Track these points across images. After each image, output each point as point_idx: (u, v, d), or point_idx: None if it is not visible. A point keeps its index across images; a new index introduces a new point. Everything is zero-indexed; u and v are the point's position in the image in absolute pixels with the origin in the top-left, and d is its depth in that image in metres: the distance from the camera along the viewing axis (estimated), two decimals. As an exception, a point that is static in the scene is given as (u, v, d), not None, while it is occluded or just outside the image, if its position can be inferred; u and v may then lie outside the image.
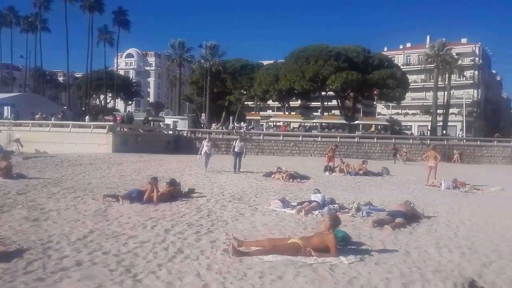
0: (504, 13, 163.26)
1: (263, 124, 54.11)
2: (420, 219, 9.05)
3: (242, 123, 55.60)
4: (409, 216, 8.75)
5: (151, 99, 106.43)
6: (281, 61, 62.44)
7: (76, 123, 33.25)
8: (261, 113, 71.28)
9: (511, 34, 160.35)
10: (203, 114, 55.28)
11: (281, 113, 68.76)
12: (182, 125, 46.04)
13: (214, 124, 56.29)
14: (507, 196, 14.26)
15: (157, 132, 42.21)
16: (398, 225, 8.06)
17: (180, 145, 37.59)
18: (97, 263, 5.27)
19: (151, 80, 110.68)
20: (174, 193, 10.46)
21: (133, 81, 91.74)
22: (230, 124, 52.97)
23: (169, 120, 48.88)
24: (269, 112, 78.46)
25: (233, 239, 6.09)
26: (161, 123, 48.74)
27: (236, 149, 18.84)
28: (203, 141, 19.49)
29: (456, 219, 9.47)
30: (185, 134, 41.69)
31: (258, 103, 73.95)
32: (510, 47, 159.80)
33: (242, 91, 68.75)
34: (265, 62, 70.74)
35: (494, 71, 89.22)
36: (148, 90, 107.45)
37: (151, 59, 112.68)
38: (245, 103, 73.30)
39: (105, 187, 12.06)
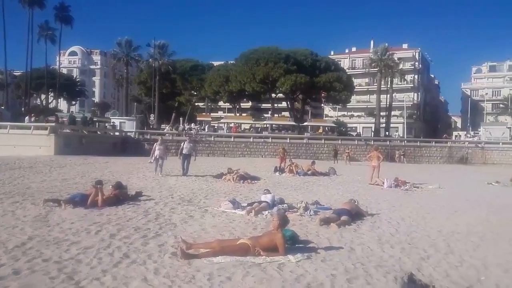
0: (440, 21, 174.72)
1: (220, 126, 53.99)
2: (364, 217, 9.46)
3: (192, 124, 54.98)
4: (354, 214, 9.10)
5: (96, 99, 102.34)
6: (232, 62, 62.51)
7: (15, 124, 31.24)
8: (212, 114, 70.95)
9: (447, 40, 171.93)
10: (152, 115, 54.05)
11: (232, 114, 68.86)
12: (130, 126, 44.75)
13: (164, 125, 55.21)
14: (444, 194, 15.25)
15: (103, 133, 40.71)
16: (344, 223, 8.36)
17: (127, 147, 36.47)
18: (37, 271, 5.00)
19: (97, 79, 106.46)
20: (120, 196, 10.15)
21: (77, 80, 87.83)
22: (180, 125, 52.16)
23: (115, 121, 47.31)
24: (220, 113, 78.30)
25: (181, 242, 6.03)
26: (107, 124, 47.04)
27: (184, 151, 17.66)
28: (155, 144, 17.79)
29: (397, 216, 9.98)
30: (132, 136, 40.53)
31: (209, 104, 73.58)
32: (447, 53, 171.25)
33: (192, 92, 68.03)
34: (216, 63, 70.44)
35: (432, 75, 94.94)
36: (93, 89, 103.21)
37: (96, 58, 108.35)
38: (196, 104, 72.63)
39: (46, 192, 11.45)
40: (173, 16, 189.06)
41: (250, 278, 5.04)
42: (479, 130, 62.13)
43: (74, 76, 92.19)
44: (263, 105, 74.57)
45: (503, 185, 18.92)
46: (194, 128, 47.15)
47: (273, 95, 60.49)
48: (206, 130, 47.49)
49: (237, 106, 70.49)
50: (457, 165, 40.38)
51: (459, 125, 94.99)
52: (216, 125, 57.48)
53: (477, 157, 43.75)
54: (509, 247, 7.31)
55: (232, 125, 53.59)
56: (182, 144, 18.50)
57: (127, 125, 45.03)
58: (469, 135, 61.43)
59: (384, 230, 8.33)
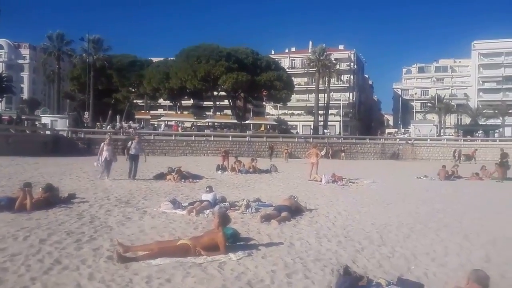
0: (374, 24, 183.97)
1: (160, 124, 52.62)
2: (303, 212, 9.70)
3: (130, 122, 53.16)
4: (294, 210, 9.31)
5: (25, 95, 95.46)
6: (172, 59, 61.26)
7: None
8: (151, 112, 69.11)
9: (380, 43, 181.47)
10: (86, 113, 51.33)
11: (173, 112, 67.57)
12: (62, 124, 42.31)
13: (100, 124, 52.83)
14: (377, 188, 16.06)
15: (32, 132, 38.11)
16: (284, 219, 8.52)
17: (59, 146, 34.40)
18: (-46, 284, 4.57)
19: (25, 74, 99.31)
20: (51, 199, 9.54)
21: (3, 75, 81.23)
22: (117, 123, 50.20)
23: (46, 119, 44.48)
24: (160, 111, 76.53)
25: (118, 245, 5.80)
26: (37, 123, 44.08)
27: (132, 152, 16.00)
28: (102, 144, 15.94)
29: (334, 211, 10.35)
30: (65, 135, 38.33)
31: (148, 101, 71.52)
32: (379, 54, 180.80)
33: (130, 88, 65.63)
34: (155, 59, 68.44)
35: (366, 76, 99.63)
36: (22, 85, 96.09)
37: (25, 52, 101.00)
38: (134, 101, 70.21)
39: (-34, 196, 10.48)
40: (109, 11, 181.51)
41: (190, 279, 4.97)
42: (409, 127, 66.30)
43: (0, 71, 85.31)
44: (205, 103, 73.91)
45: (431, 179, 20.30)
46: (132, 127, 45.63)
47: (215, 93, 60.22)
48: (144, 128, 46.15)
49: (178, 104, 69.26)
50: (389, 160, 42.71)
51: (391, 123, 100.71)
52: (155, 123, 56.12)
53: (407, 153, 46.56)
54: (436, 237, 7.85)
55: (173, 123, 52.61)
56: (129, 143, 16.82)
57: (59, 123, 42.53)
58: (400, 132, 65.31)
59: (322, 225, 8.60)
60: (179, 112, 66.03)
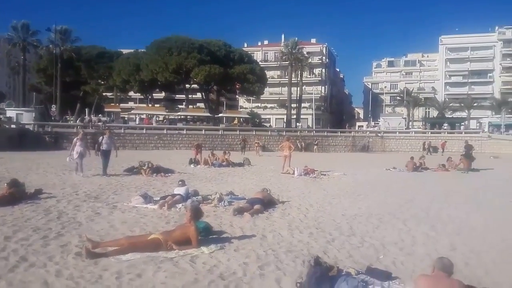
0: (344, 18, 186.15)
1: (131, 117, 51.48)
2: (276, 205, 9.79)
3: (100, 115, 51.86)
4: (266, 202, 9.37)
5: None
6: (142, 50, 60.01)
7: None
8: (121, 105, 67.59)
9: (351, 37, 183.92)
10: (53, 106, 49.66)
11: (144, 105, 66.37)
12: (28, 118, 40.78)
13: (68, 117, 51.30)
14: (348, 180, 16.36)
15: (-4, 126, 36.60)
16: (256, 212, 8.57)
17: (25, 140, 33.23)
18: None
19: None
20: (17, 195, 9.23)
21: (-37, 66, 77.62)
22: (86, 116, 48.85)
23: (11, 113, 42.80)
24: (131, 104, 75.01)
25: (86, 241, 5.69)
26: (1, 116, 42.36)
27: (104, 147, 15.35)
28: (75, 139, 15.33)
29: (306, 203, 10.48)
30: (31, 128, 37.03)
31: (118, 94, 69.90)
32: (350, 48, 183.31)
33: (99, 81, 63.93)
34: (125, 51, 66.81)
35: (338, 69, 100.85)
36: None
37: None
38: (103, 94, 68.48)
39: None
40: (77, 0, 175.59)
41: (162, 273, 4.94)
42: (379, 120, 67.70)
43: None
44: (177, 96, 72.94)
45: (399, 170, 20.86)
46: (102, 120, 44.57)
47: (187, 85, 59.53)
48: (114, 121, 45.15)
49: (149, 97, 68.04)
50: (360, 153, 43.57)
51: (361, 116, 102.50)
52: (126, 116, 55.03)
53: (377, 145, 47.63)
54: (404, 227, 8.08)
55: (144, 116, 51.74)
56: (100, 138, 16.02)
57: (25, 116, 40.98)
58: (370, 125, 66.62)
59: (294, 217, 8.70)
60: (150, 105, 64.91)
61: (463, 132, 52.49)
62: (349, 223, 8.23)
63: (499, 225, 8.39)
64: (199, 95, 63.96)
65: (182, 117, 52.69)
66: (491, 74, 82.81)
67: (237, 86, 56.34)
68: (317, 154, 38.48)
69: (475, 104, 71.84)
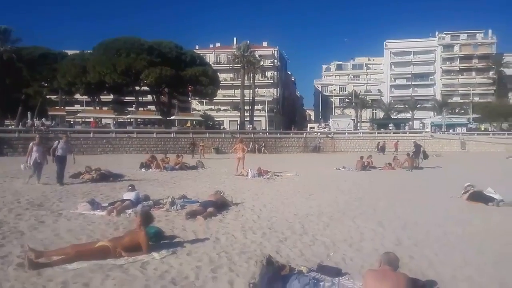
0: (295, 22, 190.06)
1: (77, 120, 49.19)
2: (230, 207, 9.77)
3: (43, 119, 49.26)
4: (220, 205, 9.33)
5: None
6: (89, 52, 57.74)
7: None
8: (67, 108, 64.68)
9: (301, 40, 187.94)
10: (-8, 110, 46.63)
11: (91, 108, 63.92)
12: (-37, 122, 38.03)
13: (8, 121, 48.28)
14: (300, 180, 16.66)
15: None
16: (210, 215, 8.50)
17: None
18: None
19: None
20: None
21: None
22: (28, 120, 46.20)
23: None
24: (77, 107, 72.01)
25: (29, 251, 5.36)
26: None
27: (59, 152, 13.97)
28: (31, 144, 14.11)
29: (259, 204, 10.55)
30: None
31: (63, 97, 66.78)
32: (301, 52, 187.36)
33: (42, 83, 60.69)
34: (70, 52, 63.92)
35: (289, 72, 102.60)
36: None
37: None
38: (47, 97, 65.07)
39: None
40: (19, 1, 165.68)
41: (110, 281, 4.77)
42: (329, 122, 69.60)
43: None
44: (126, 98, 70.81)
45: (349, 169, 21.54)
46: (46, 124, 42.37)
47: (137, 87, 58.01)
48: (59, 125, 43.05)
49: (97, 99, 65.58)
50: (311, 153, 44.52)
51: (313, 117, 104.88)
52: (72, 120, 52.76)
53: (328, 146, 48.92)
54: (353, 224, 8.35)
55: (91, 119, 49.85)
56: (55, 143, 14.58)
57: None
58: (321, 127, 68.33)
59: (248, 218, 8.72)
60: (98, 108, 62.63)
61: (408, 132, 55.17)
62: (301, 222, 8.37)
63: (440, 219, 8.87)
64: (149, 97, 62.51)
65: (131, 120, 51.27)
66: (432, 77, 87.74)
67: (189, 88, 55.69)
68: (271, 156, 38.84)
69: (418, 106, 75.87)
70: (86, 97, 66.27)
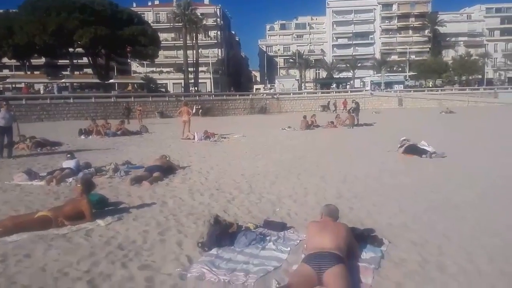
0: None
1: (7, 87, 45.28)
2: (176, 170, 9.70)
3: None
4: (166, 169, 9.23)
5: None
6: (14, 11, 52.70)
7: None
8: (-7, 73, 59.43)
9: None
10: None
11: (22, 72, 59.17)
12: None
13: None
14: (247, 141, 16.82)
15: None
16: (156, 179, 8.40)
17: None
18: None
19: None
20: None
21: None
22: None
23: None
24: (6, 72, 66.40)
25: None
26: None
27: (1, 123, 12.23)
28: None
29: (206, 166, 10.57)
30: None
31: (-12, 61, 61.13)
32: (244, 11, 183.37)
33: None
34: (-8, 12, 57.95)
35: (233, 32, 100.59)
36: None
37: None
38: (-31, 61, 59.31)
39: None
40: None
41: (54, 251, 4.64)
42: (274, 83, 69.94)
43: None
44: (60, 61, 66.19)
45: (293, 129, 22.01)
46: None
47: (71, 49, 54.28)
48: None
49: (27, 63, 60.76)
50: (258, 115, 44.80)
51: (258, 79, 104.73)
52: (1, 86, 48.75)
53: (274, 107, 49.39)
54: (297, 180, 8.65)
55: (22, 85, 46.33)
56: None
57: None
58: (267, 88, 68.57)
59: (195, 181, 8.73)
60: (29, 73, 58.17)
61: (349, 91, 56.92)
62: (248, 182, 8.53)
63: (378, 172, 9.42)
64: (85, 60, 58.92)
65: (67, 84, 48.29)
66: (372, 36, 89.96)
67: (128, 49, 52.93)
68: (217, 118, 38.57)
69: (359, 65, 78.08)
70: (15, 61, 61.10)
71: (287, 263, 4.32)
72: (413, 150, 11.72)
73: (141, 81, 55.57)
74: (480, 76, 73.84)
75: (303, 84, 73.67)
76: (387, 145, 13.60)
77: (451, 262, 4.27)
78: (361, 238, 4.79)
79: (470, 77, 71.31)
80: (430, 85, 67.06)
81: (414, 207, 6.47)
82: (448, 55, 78.89)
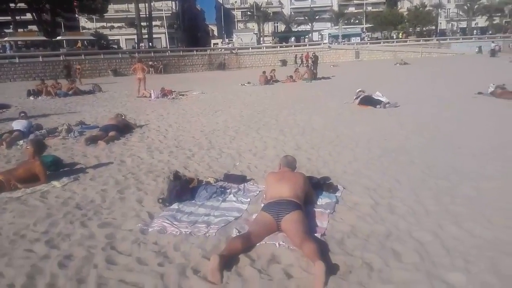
0: None
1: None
2: (133, 129, 9.51)
3: None
4: (122, 128, 9.02)
5: None
6: None
7: None
8: None
9: None
10: None
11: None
12: None
13: None
14: (206, 98, 16.59)
15: None
16: (112, 138, 8.21)
17: None
18: None
19: None
20: None
21: None
22: None
23: None
24: None
25: None
26: None
27: None
28: None
29: (165, 124, 10.42)
30: None
31: None
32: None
33: None
34: None
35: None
36: None
37: None
38: None
39: None
40: None
41: (8, 214, 4.52)
42: (232, 37, 68.30)
43: None
44: (0, 18, 61.13)
45: (253, 84, 21.87)
46: None
47: (12, 5, 50.10)
48: None
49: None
50: (217, 71, 44.01)
51: (216, 33, 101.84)
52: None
53: (233, 63, 48.53)
54: (257, 135, 8.72)
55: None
56: None
57: None
58: (225, 43, 66.97)
59: (153, 139, 8.62)
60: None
61: (308, 45, 56.70)
62: (208, 138, 8.52)
63: (334, 124, 9.67)
64: (29, 16, 54.72)
65: (10, 43, 44.99)
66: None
67: (74, 3, 49.53)
68: (174, 75, 37.54)
69: (316, 17, 77.36)
70: None
71: (247, 213, 4.44)
72: (368, 101, 12.05)
73: (91, 38, 52.70)
74: (434, 27, 75.51)
75: (261, 38, 72.46)
76: (344, 97, 13.88)
77: (401, 203, 4.54)
78: (317, 186, 4.98)
79: (424, 28, 72.75)
80: (394, 37, 67.78)
81: (368, 154, 6.75)
82: (404, 6, 79.59)
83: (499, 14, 75.74)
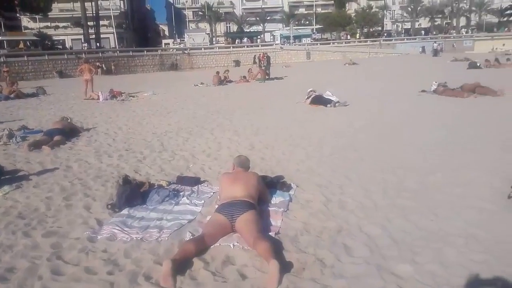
0: None
1: None
2: (80, 133, 9.13)
3: None
4: (68, 132, 8.63)
5: None
6: None
7: None
8: None
9: None
10: None
11: None
12: None
13: None
14: (158, 99, 16.25)
15: None
16: (57, 143, 7.84)
17: None
18: None
19: None
20: None
21: None
22: None
23: None
24: None
25: None
26: None
27: None
28: None
29: (114, 127, 10.08)
30: None
31: None
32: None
33: None
34: None
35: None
36: None
37: None
38: None
39: None
40: None
41: None
42: (184, 37, 67.41)
43: None
44: None
45: (206, 85, 21.69)
46: None
47: None
48: None
49: None
50: (168, 72, 43.24)
51: (167, 33, 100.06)
52: None
53: (185, 63, 47.90)
54: (211, 136, 8.64)
55: None
56: None
57: None
58: (176, 43, 65.91)
59: (102, 142, 8.31)
60: None
61: (260, 45, 57.10)
62: (160, 140, 8.35)
63: (287, 123, 9.79)
64: (-37, 14, 51.04)
65: None
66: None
67: (15, 1, 46.80)
68: (124, 76, 36.49)
69: (268, 18, 78.11)
70: None
71: (201, 215, 4.39)
72: (319, 100, 12.31)
73: (34, 38, 50.05)
74: (380, 28, 78.56)
75: (214, 39, 72.12)
76: (296, 97, 14.09)
77: (351, 199, 4.67)
78: (271, 184, 5.01)
79: (371, 29, 75.51)
80: (342, 38, 69.64)
81: (319, 153, 6.90)
82: (352, 8, 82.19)
83: (440, 16, 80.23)
